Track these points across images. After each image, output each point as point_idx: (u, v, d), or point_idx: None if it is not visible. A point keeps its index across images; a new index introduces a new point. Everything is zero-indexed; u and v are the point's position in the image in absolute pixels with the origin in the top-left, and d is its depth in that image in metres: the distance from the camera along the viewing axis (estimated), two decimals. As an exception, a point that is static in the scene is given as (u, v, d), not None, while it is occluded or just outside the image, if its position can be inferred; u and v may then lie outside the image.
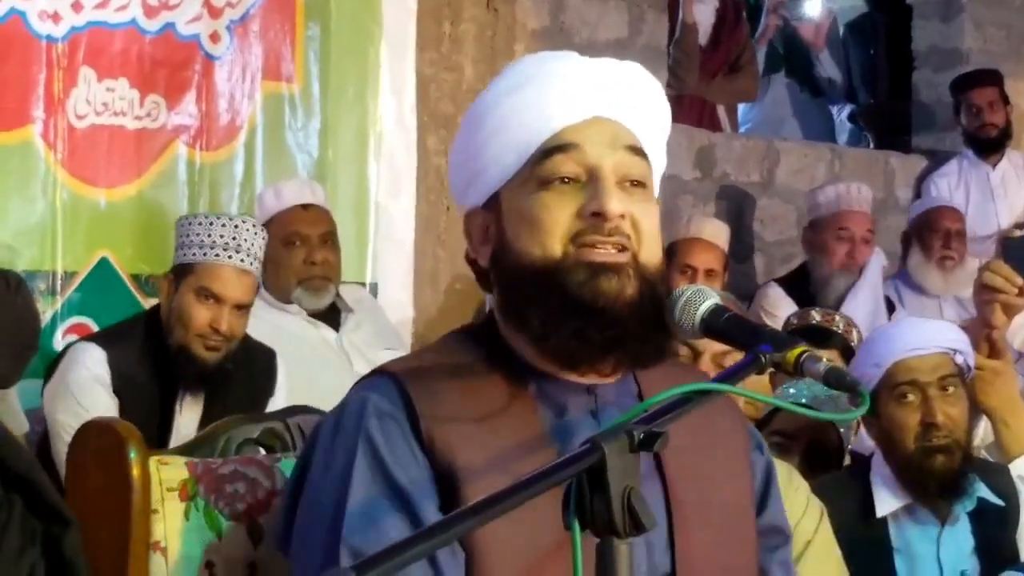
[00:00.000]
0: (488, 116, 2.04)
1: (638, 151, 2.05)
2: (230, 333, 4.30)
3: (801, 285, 6.34)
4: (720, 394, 1.79)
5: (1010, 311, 3.44)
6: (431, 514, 1.91)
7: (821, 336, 4.54)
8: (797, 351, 1.81)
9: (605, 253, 1.97)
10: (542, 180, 1.99)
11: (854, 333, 4.80)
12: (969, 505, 3.44)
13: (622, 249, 1.98)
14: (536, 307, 1.97)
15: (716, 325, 1.92)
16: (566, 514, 1.60)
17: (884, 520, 3.47)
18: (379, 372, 2.06)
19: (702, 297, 1.94)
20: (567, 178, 1.99)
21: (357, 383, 2.07)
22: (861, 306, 6.11)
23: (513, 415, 1.98)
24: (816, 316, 4.85)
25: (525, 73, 2.05)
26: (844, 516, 3.31)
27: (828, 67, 8.08)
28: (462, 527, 1.55)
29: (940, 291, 6.57)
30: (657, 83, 2.15)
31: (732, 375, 1.80)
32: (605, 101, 2.04)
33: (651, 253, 2.01)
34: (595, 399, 2.03)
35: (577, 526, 1.59)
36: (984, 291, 3.45)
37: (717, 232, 6.07)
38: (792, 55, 8.05)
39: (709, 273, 5.83)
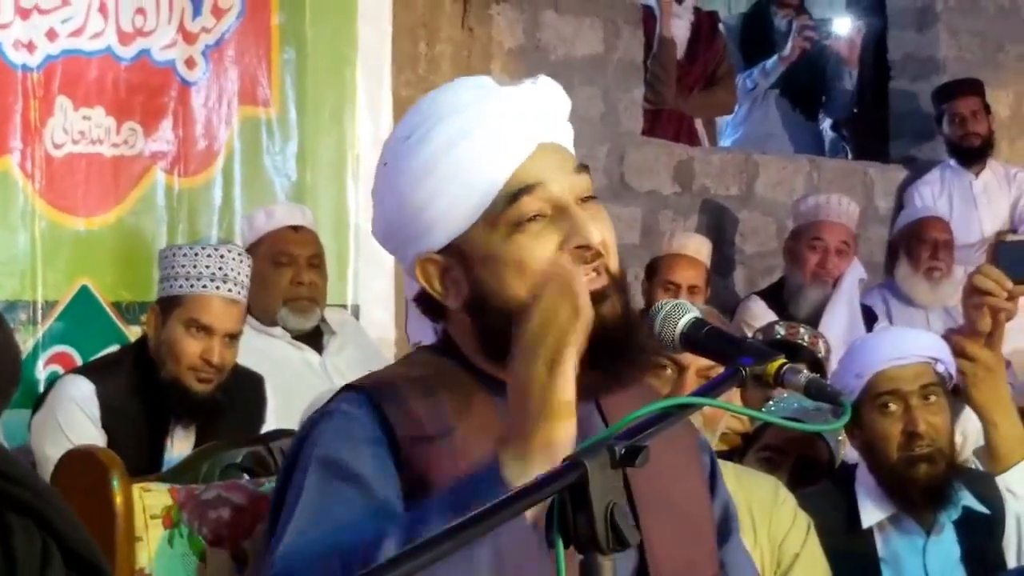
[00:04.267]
0: (437, 167, 2.04)
1: (582, 167, 2.08)
2: (222, 364, 4.28)
3: (781, 297, 6.35)
4: (699, 407, 1.79)
5: (998, 316, 3.42)
6: (392, 496, 1.95)
7: (787, 351, 4.53)
8: (777, 363, 1.81)
9: (591, 281, 1.98)
10: (513, 223, 2.01)
11: (820, 344, 4.80)
12: (954, 514, 3.44)
13: (601, 272, 2.01)
14: None
15: (696, 339, 1.92)
16: (549, 531, 1.60)
17: (870, 531, 3.47)
18: (349, 388, 2.09)
19: (681, 311, 1.94)
20: (536, 215, 2.01)
21: (328, 400, 2.09)
22: (838, 320, 6.12)
23: (481, 425, 2.00)
24: (780, 330, 4.84)
25: (465, 117, 2.05)
26: (830, 527, 3.32)
27: (854, 82, 8.08)
28: (449, 545, 1.54)
29: (927, 302, 6.58)
30: (558, 85, 2.17)
31: (713, 388, 1.80)
32: (544, 128, 2.07)
33: (616, 262, 2.05)
34: None
35: (560, 543, 1.59)
36: (973, 294, 3.42)
37: (700, 247, 6.07)
38: (803, 75, 7.99)
39: (692, 289, 5.83)
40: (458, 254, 2.06)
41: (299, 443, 2.05)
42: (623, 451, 1.59)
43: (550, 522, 1.60)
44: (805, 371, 1.80)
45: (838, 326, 5.96)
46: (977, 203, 7.35)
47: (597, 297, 1.97)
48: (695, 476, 2.16)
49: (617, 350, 1.99)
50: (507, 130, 2.04)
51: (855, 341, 3.82)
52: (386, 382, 2.07)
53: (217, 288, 4.26)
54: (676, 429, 2.11)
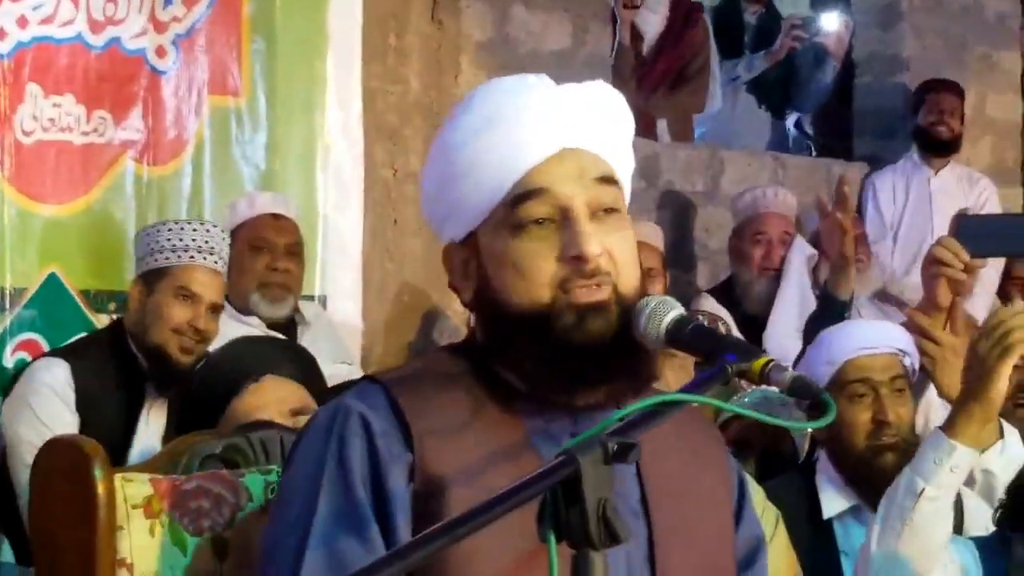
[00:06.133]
0: (458, 154, 2.03)
1: (607, 179, 2.04)
2: (206, 333, 4.36)
3: (733, 294, 6.37)
4: (687, 404, 1.80)
5: (955, 288, 3.44)
6: (401, 526, 1.93)
7: None
8: (763, 361, 1.82)
9: (589, 292, 1.97)
10: (516, 225, 1.99)
11: (719, 326, 4.87)
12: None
13: (604, 285, 1.98)
14: (527, 350, 1.98)
15: (681, 336, 1.92)
16: (542, 526, 1.61)
17: (830, 522, 3.51)
18: (368, 379, 2.08)
19: (666, 308, 1.95)
20: (541, 219, 1.98)
21: (349, 390, 2.07)
22: (789, 301, 6.12)
23: (498, 429, 1.99)
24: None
25: (493, 108, 2.03)
26: (792, 519, 3.35)
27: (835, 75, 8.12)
28: (437, 544, 1.56)
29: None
30: (620, 96, 2.15)
31: (698, 386, 1.80)
32: (572, 132, 2.02)
33: (629, 280, 2.01)
34: (574, 421, 2.02)
35: (553, 538, 1.60)
36: (931, 265, 3.45)
37: (650, 232, 6.06)
38: (772, 71, 8.02)
39: (649, 272, 5.84)
40: (474, 247, 2.05)
41: (301, 436, 2.04)
42: (615, 447, 1.61)
43: (543, 517, 1.61)
44: (790, 369, 1.82)
45: (790, 307, 6.00)
46: (932, 200, 7.38)
47: (589, 310, 1.96)
48: (722, 507, 2.14)
49: (604, 366, 1.97)
50: (528, 128, 2.00)
51: (826, 331, 3.82)
52: (407, 376, 2.05)
53: (204, 259, 4.38)
54: (711, 453, 2.14)
